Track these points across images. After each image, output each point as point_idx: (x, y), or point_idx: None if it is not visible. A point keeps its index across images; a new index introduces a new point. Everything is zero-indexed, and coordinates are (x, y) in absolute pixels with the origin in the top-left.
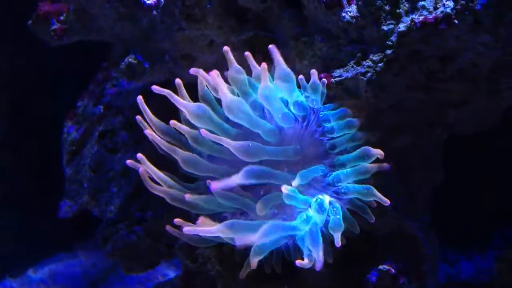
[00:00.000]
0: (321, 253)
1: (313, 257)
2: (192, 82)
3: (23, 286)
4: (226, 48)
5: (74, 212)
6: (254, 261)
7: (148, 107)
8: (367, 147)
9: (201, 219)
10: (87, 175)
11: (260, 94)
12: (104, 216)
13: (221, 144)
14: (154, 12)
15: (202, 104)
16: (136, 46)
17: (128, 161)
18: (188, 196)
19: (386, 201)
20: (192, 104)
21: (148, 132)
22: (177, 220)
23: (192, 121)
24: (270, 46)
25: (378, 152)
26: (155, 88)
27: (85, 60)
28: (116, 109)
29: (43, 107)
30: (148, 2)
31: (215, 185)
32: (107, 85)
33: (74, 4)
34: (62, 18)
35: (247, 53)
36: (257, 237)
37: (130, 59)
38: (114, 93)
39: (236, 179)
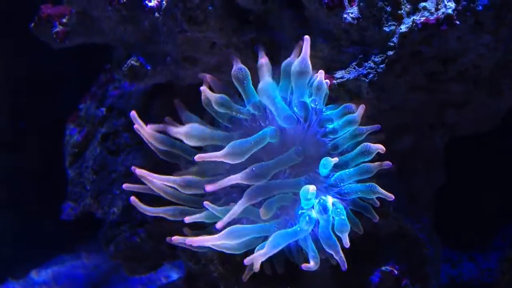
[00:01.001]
0: (341, 253)
1: (318, 258)
2: (194, 84)
3: None
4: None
5: (77, 214)
6: (257, 263)
7: (151, 109)
8: (367, 143)
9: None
10: (90, 177)
11: (260, 89)
12: (107, 218)
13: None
14: (156, 15)
15: (193, 124)
16: (138, 48)
17: (125, 185)
18: (187, 219)
19: (391, 196)
20: (183, 129)
21: (138, 172)
22: (174, 238)
23: (191, 143)
24: (305, 36)
25: (379, 147)
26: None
27: (87, 63)
28: (118, 111)
29: (46, 110)
30: (150, 4)
31: (220, 225)
32: (110, 87)
33: (76, 7)
34: (64, 20)
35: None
36: (265, 251)
37: (132, 62)
38: (116, 95)
39: (242, 205)
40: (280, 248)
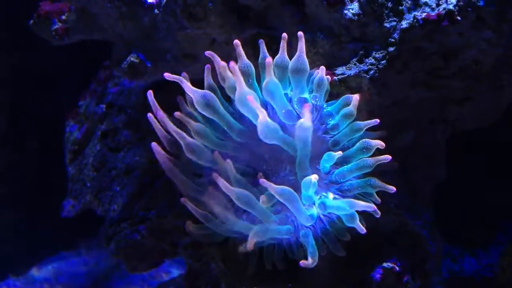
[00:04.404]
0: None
1: (316, 255)
2: (194, 80)
3: (27, 285)
4: (236, 41)
5: (77, 211)
6: (251, 242)
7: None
8: (366, 139)
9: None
10: (90, 174)
11: (264, 88)
12: (107, 215)
13: (223, 140)
14: (156, 11)
15: (209, 93)
16: (137, 45)
17: (153, 144)
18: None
19: (392, 189)
20: (200, 92)
21: (160, 114)
22: (183, 199)
23: (199, 109)
24: (299, 32)
25: (378, 143)
26: (167, 75)
27: (86, 59)
28: (118, 108)
29: (45, 106)
30: (149, 1)
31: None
32: (109, 84)
33: (75, 4)
34: (63, 17)
35: (260, 41)
36: (276, 188)
37: (132, 58)
38: (116, 92)
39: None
40: (284, 201)
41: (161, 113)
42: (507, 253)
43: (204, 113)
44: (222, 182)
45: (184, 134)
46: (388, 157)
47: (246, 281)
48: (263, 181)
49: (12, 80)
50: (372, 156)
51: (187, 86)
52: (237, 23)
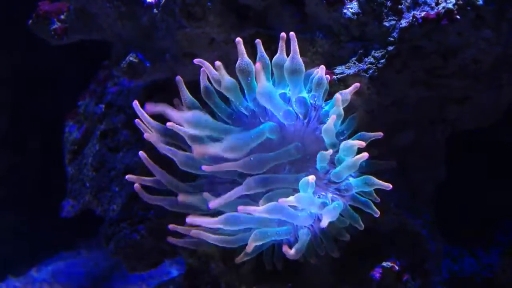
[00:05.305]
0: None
1: (301, 251)
2: (193, 81)
3: (26, 286)
4: (238, 39)
5: (76, 212)
6: (251, 245)
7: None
8: (347, 141)
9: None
10: (89, 174)
11: (258, 94)
12: (106, 215)
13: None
14: (155, 11)
15: (196, 111)
16: (137, 45)
17: (128, 176)
18: (181, 197)
19: (388, 186)
20: (186, 115)
21: (147, 135)
22: (171, 226)
23: (191, 130)
24: (291, 33)
25: (358, 143)
26: (149, 106)
27: (86, 59)
28: (117, 107)
29: (45, 107)
30: (148, 0)
31: (213, 204)
32: (108, 84)
33: (74, 3)
34: (62, 17)
35: (257, 41)
36: (260, 210)
37: (131, 58)
38: (115, 92)
39: (238, 192)
40: (272, 215)
41: (151, 135)
42: (507, 253)
43: (197, 132)
44: (203, 230)
45: (175, 150)
46: (366, 154)
47: (246, 281)
48: (242, 208)
49: (13, 80)
50: (369, 155)
51: (172, 113)
52: (236, 22)
